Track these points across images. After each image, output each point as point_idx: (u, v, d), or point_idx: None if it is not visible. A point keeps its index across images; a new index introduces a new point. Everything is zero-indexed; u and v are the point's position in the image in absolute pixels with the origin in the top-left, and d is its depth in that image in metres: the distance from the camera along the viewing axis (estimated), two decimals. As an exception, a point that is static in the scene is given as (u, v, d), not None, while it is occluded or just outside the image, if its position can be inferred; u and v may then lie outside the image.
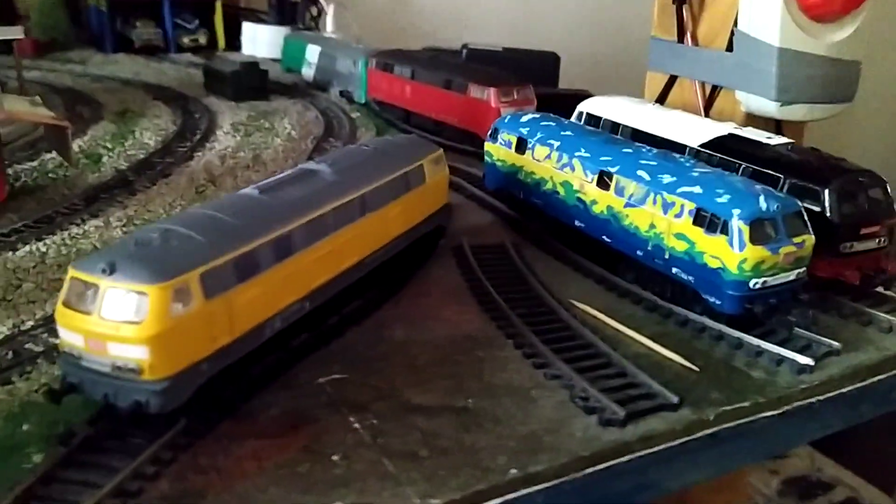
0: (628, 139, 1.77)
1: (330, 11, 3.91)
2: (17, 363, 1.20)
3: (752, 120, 1.92)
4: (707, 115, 2.03)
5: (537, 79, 2.85)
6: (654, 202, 1.42)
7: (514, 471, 1.05)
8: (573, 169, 1.61)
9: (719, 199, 1.33)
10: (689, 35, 2.05)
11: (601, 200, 1.54)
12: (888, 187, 1.49)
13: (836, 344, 1.35)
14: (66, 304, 0.98)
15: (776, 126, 1.96)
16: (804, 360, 1.29)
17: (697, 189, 1.37)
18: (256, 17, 4.38)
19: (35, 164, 2.16)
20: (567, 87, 3.02)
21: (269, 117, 2.80)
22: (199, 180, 2.10)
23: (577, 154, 1.60)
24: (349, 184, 1.32)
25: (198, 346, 1.02)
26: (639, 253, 1.48)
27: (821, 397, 1.28)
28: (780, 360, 1.31)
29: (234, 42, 4.23)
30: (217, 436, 1.08)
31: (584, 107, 1.99)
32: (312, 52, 3.38)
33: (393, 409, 1.17)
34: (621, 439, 1.12)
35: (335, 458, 1.05)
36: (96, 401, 1.01)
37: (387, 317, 1.43)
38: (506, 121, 1.83)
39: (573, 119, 1.99)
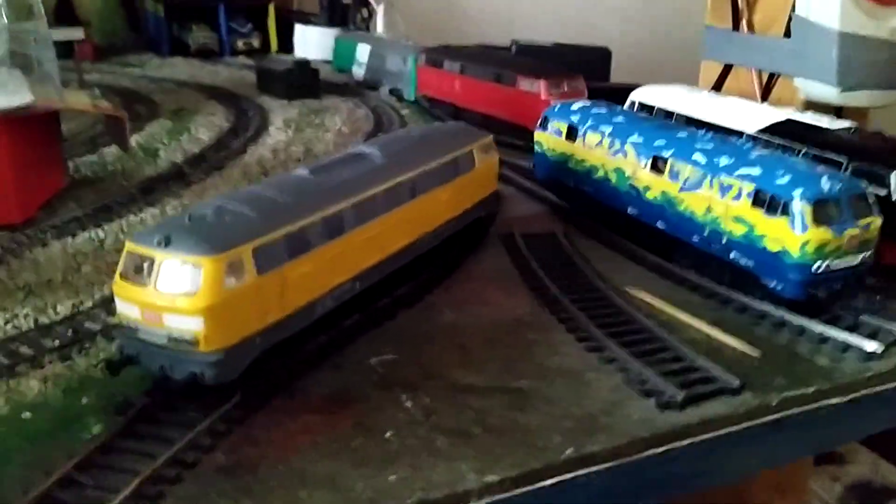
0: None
1: (380, 12, 3.94)
2: (76, 340, 1.23)
3: (812, 107, 1.87)
4: (765, 103, 1.98)
5: (588, 73, 2.83)
6: (711, 185, 1.39)
7: (570, 450, 1.03)
8: (626, 155, 1.58)
9: (780, 181, 1.29)
10: (744, 22, 2.01)
11: (655, 186, 1.51)
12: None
13: (905, 330, 1.30)
14: (123, 277, 1.00)
15: (836, 114, 1.91)
16: (872, 346, 1.25)
17: (756, 170, 1.33)
18: (308, 20, 4.43)
19: (95, 157, 2.21)
20: (619, 81, 2.99)
21: (319, 114, 2.82)
22: (252, 172, 2.12)
23: (629, 139, 1.58)
24: (399, 167, 1.32)
25: (251, 320, 1.02)
26: (695, 238, 1.44)
27: (892, 385, 1.24)
28: (846, 347, 1.27)
29: (286, 45, 4.27)
30: (269, 411, 1.08)
31: (637, 96, 1.96)
32: (363, 52, 3.40)
33: (444, 388, 1.16)
34: (680, 422, 1.09)
35: (388, 434, 1.05)
36: (153, 373, 1.02)
37: (437, 300, 1.42)
38: (556, 109, 1.81)
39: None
